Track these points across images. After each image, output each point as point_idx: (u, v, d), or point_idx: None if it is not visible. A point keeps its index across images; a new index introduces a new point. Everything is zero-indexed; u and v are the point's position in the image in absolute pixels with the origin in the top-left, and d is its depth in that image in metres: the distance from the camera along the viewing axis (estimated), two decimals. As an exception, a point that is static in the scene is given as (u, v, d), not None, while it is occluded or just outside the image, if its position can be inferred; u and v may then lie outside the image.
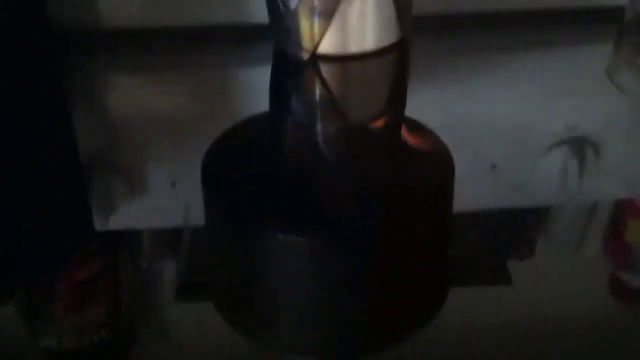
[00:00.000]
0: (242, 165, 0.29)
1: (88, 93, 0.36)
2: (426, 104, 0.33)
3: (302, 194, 0.27)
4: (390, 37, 0.34)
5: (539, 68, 0.36)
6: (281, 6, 0.33)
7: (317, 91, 0.34)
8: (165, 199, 0.29)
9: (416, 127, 0.31)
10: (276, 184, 0.28)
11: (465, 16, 0.38)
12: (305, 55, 0.33)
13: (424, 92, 0.34)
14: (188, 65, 0.37)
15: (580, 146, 0.31)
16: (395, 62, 0.35)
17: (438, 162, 0.29)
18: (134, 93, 0.35)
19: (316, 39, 0.33)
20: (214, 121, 0.32)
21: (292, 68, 0.34)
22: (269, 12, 0.34)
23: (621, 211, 0.29)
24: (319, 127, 0.32)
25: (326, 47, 0.33)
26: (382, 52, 0.34)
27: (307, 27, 0.33)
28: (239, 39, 0.37)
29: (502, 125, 0.32)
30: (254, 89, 0.35)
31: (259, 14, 0.36)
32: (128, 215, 0.29)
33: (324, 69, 0.33)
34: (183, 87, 0.35)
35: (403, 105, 0.34)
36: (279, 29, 0.34)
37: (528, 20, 0.39)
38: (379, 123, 0.32)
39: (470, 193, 0.28)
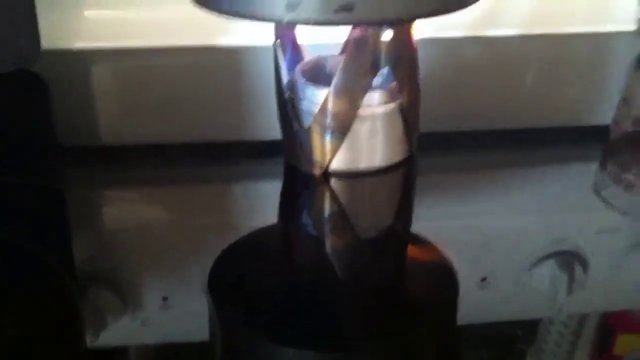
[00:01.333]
0: (250, 276, 0.30)
1: (86, 206, 0.37)
2: (421, 216, 0.35)
3: (311, 308, 0.28)
4: (398, 154, 0.36)
5: (530, 184, 0.38)
6: (295, 124, 0.35)
7: (327, 205, 0.35)
8: (157, 313, 0.29)
9: (422, 243, 0.33)
10: (285, 296, 0.29)
11: (463, 135, 0.41)
12: (317, 172, 0.35)
13: (419, 206, 0.36)
14: (190, 180, 0.38)
15: (569, 260, 0.32)
16: (403, 178, 0.37)
17: (442, 281, 0.30)
18: (134, 207, 0.36)
19: (328, 156, 0.35)
20: (215, 235, 0.33)
21: (303, 183, 0.36)
22: (282, 129, 0.36)
23: (610, 325, 0.31)
24: (327, 240, 0.34)
25: (337, 163, 0.35)
26: (391, 168, 0.36)
27: (319, 144, 0.35)
28: (241, 153, 0.40)
29: (494, 239, 0.33)
30: (256, 203, 0.37)
31: (263, 132, 0.39)
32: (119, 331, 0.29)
33: (334, 184, 0.35)
34: (184, 201, 0.37)
35: (409, 219, 0.36)
36: (291, 146, 0.36)
37: (520, 138, 0.41)
38: (386, 236, 0.34)
39: (461, 305, 0.29)
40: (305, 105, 0.35)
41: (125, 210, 0.36)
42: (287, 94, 0.35)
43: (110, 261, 0.32)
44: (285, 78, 0.36)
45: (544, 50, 0.53)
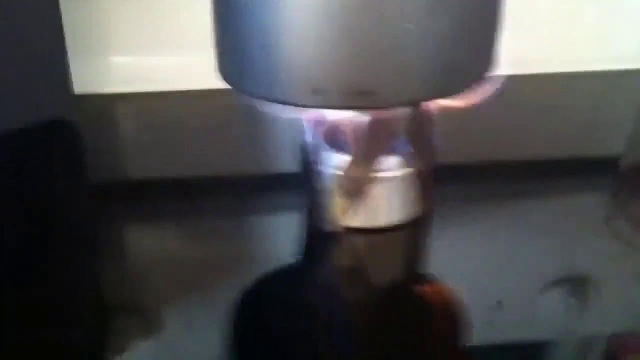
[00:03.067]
0: (267, 322, 0.33)
1: (112, 238, 0.39)
2: (439, 246, 0.38)
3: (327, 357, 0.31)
4: (412, 213, 0.39)
5: (542, 213, 0.40)
6: (317, 184, 0.38)
7: (343, 260, 0.38)
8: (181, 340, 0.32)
9: (435, 288, 0.35)
10: (301, 345, 0.32)
11: (479, 166, 0.44)
12: (335, 229, 0.38)
13: (438, 235, 0.39)
14: (210, 213, 0.41)
15: (579, 285, 0.35)
16: (417, 235, 0.39)
17: (454, 327, 0.33)
18: (157, 239, 0.39)
19: (344, 216, 0.37)
20: (233, 267, 0.36)
21: (320, 238, 0.39)
22: (305, 186, 0.39)
23: (619, 347, 0.33)
24: (342, 292, 0.36)
25: (353, 221, 0.38)
26: (405, 226, 0.38)
27: (336, 205, 0.37)
28: (259, 187, 0.43)
29: (508, 264, 0.36)
30: (272, 236, 0.40)
31: (277, 165, 0.42)
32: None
33: (350, 240, 0.38)
34: (204, 234, 0.39)
35: (422, 272, 0.38)
36: (312, 203, 0.38)
37: (533, 169, 0.44)
38: (400, 289, 0.36)
39: (477, 328, 0.32)
40: (325, 168, 0.37)
41: (152, 242, 0.39)
42: (309, 155, 0.38)
43: (137, 291, 0.35)
44: (308, 139, 0.38)
45: (554, 87, 0.56)
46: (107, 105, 0.53)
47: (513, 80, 0.55)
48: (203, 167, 0.45)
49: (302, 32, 0.31)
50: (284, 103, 0.33)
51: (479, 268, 0.36)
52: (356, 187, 0.37)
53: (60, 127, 0.50)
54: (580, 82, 0.56)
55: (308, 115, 0.37)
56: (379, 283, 0.37)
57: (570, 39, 0.56)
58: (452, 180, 0.42)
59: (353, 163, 0.36)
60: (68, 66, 0.50)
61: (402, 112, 0.35)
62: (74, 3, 0.50)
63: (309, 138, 0.38)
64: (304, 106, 0.33)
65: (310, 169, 0.38)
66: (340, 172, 0.37)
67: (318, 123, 0.37)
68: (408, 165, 0.37)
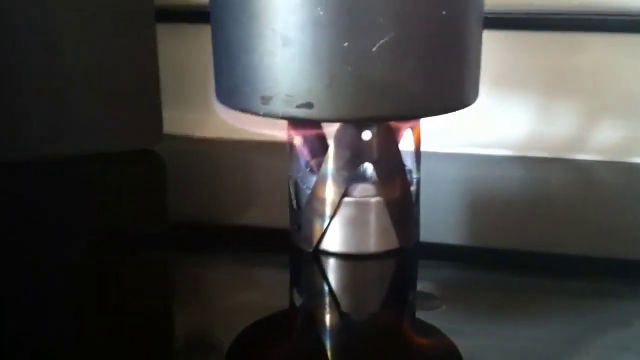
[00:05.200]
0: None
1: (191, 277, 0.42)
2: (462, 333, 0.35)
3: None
4: (388, 244, 0.39)
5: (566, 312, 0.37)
6: (294, 204, 0.40)
7: (318, 285, 0.39)
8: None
9: (426, 329, 0.35)
10: None
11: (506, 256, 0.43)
12: (309, 250, 0.40)
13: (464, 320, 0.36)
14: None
15: None
16: (395, 268, 0.40)
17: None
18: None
19: (317, 237, 0.39)
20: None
21: (299, 260, 0.40)
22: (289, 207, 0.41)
23: None
24: (322, 321, 0.36)
25: (328, 245, 0.39)
26: (380, 256, 0.39)
27: (310, 226, 0.39)
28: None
29: None
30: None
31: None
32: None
33: (325, 264, 0.39)
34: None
35: (408, 308, 0.38)
36: (292, 225, 0.41)
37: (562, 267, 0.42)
38: (381, 322, 0.36)
39: None
40: (304, 189, 0.40)
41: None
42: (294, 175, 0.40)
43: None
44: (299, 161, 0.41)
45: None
46: (197, 147, 0.60)
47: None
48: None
49: (255, 48, 0.35)
50: (242, 111, 0.37)
51: None
52: (323, 209, 0.39)
53: (150, 157, 0.57)
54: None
55: (295, 134, 0.40)
56: (354, 316, 0.37)
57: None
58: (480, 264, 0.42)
59: (320, 184, 0.38)
60: (160, 107, 0.57)
61: (367, 135, 0.37)
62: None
63: (295, 159, 0.41)
64: (256, 114, 0.36)
65: (292, 188, 0.41)
66: (311, 193, 0.39)
67: (304, 143, 0.40)
68: (377, 193, 0.39)
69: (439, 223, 0.46)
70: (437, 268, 0.42)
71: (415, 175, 0.41)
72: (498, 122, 0.57)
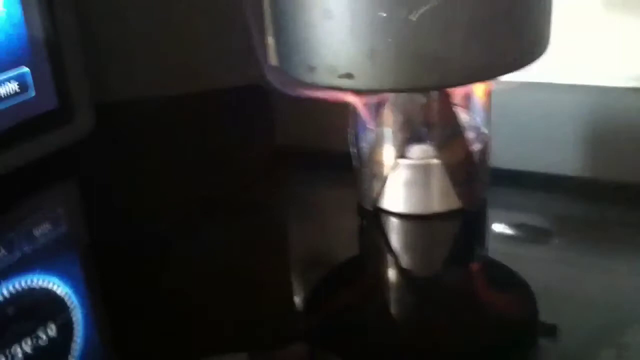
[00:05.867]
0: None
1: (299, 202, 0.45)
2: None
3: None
4: (448, 204, 0.39)
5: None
6: (356, 162, 0.40)
7: (378, 243, 0.40)
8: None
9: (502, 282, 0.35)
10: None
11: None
12: (370, 208, 0.40)
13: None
14: None
15: None
16: (457, 228, 0.40)
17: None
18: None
19: (374, 196, 0.39)
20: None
21: (361, 217, 0.41)
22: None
23: None
24: (383, 278, 0.38)
25: (387, 204, 0.40)
26: (441, 216, 0.39)
27: (367, 185, 0.40)
28: None
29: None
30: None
31: None
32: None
33: (386, 223, 0.40)
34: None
35: (468, 266, 0.38)
36: (356, 182, 0.41)
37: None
38: (444, 281, 0.37)
39: None
40: (363, 148, 0.40)
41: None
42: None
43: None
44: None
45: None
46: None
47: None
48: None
49: (299, 18, 0.35)
50: (294, 78, 0.37)
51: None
52: (379, 170, 0.39)
53: (255, 91, 0.59)
54: None
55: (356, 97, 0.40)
56: (416, 274, 0.38)
57: None
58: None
59: (375, 146, 0.38)
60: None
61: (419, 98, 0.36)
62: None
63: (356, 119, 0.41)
64: (304, 82, 0.36)
65: (355, 147, 0.41)
66: (369, 153, 0.39)
67: (365, 104, 0.40)
68: (432, 155, 0.38)
69: (556, 153, 0.46)
70: (551, 200, 0.41)
71: (484, 131, 0.40)
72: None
